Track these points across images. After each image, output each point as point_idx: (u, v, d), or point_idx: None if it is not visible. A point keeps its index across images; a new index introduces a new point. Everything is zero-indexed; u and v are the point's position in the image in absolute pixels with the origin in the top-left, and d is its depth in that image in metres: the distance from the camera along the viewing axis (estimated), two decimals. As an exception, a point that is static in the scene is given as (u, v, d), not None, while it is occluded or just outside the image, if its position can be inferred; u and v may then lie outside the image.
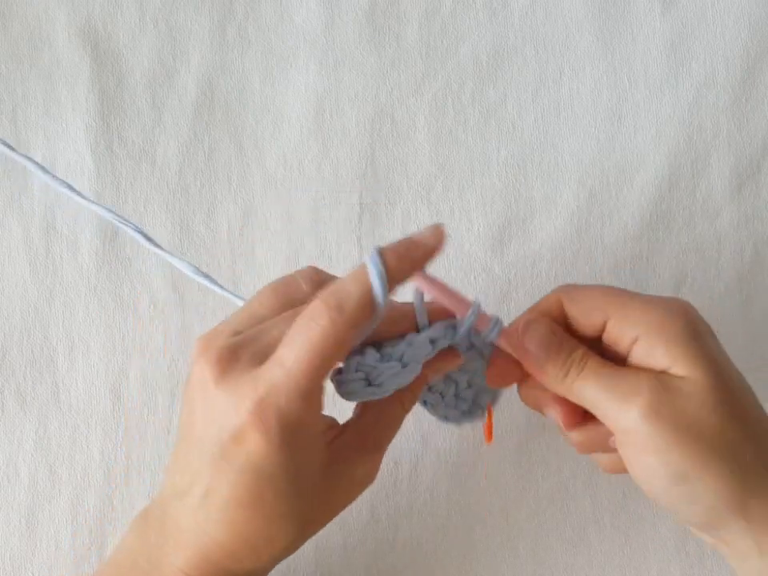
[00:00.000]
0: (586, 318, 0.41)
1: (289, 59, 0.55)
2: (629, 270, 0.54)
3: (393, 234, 0.54)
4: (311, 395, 0.36)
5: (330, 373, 0.38)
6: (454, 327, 0.40)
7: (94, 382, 0.52)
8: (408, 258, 0.37)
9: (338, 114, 0.55)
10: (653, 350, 0.38)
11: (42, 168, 0.46)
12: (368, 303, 0.36)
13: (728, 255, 0.55)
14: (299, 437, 0.36)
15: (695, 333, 0.39)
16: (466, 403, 0.45)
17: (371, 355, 0.38)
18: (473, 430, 0.53)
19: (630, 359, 0.40)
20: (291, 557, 0.51)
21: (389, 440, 0.41)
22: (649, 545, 0.52)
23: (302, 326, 0.36)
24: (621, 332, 0.40)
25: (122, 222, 0.45)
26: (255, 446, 0.35)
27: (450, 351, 0.41)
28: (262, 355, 0.36)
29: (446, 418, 0.45)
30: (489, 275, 0.54)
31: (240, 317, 0.39)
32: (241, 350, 0.37)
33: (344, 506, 0.40)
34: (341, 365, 0.39)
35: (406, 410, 0.41)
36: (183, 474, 0.38)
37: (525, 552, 0.52)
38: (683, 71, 0.56)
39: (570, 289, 0.42)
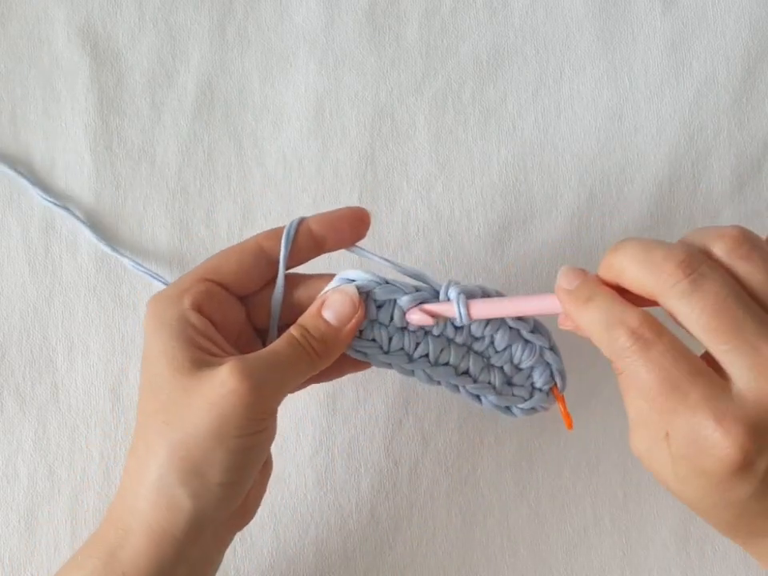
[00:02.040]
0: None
1: (289, 59, 0.55)
2: (629, 269, 0.54)
3: (393, 234, 0.54)
4: (198, 281, 0.41)
5: None
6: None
7: (93, 382, 0.52)
8: (326, 220, 0.44)
9: (338, 114, 0.55)
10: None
11: (34, 183, 0.46)
12: (277, 233, 0.44)
13: (728, 255, 0.55)
14: (170, 317, 0.40)
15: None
16: (524, 389, 0.45)
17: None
18: (473, 429, 0.53)
19: None
20: (291, 557, 0.51)
21: (271, 359, 0.40)
22: (649, 545, 0.52)
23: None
24: None
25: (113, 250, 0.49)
26: (145, 331, 0.40)
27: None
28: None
29: (508, 410, 0.45)
30: (489, 275, 0.54)
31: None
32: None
33: (210, 408, 0.38)
34: None
35: (308, 354, 0.41)
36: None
37: (525, 552, 0.52)
38: (684, 71, 0.56)
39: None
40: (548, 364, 0.45)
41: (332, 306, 0.41)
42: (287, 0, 0.56)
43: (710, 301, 0.34)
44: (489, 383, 0.44)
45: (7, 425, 0.52)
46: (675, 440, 0.35)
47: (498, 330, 0.43)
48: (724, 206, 0.55)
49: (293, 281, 0.43)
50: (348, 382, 0.52)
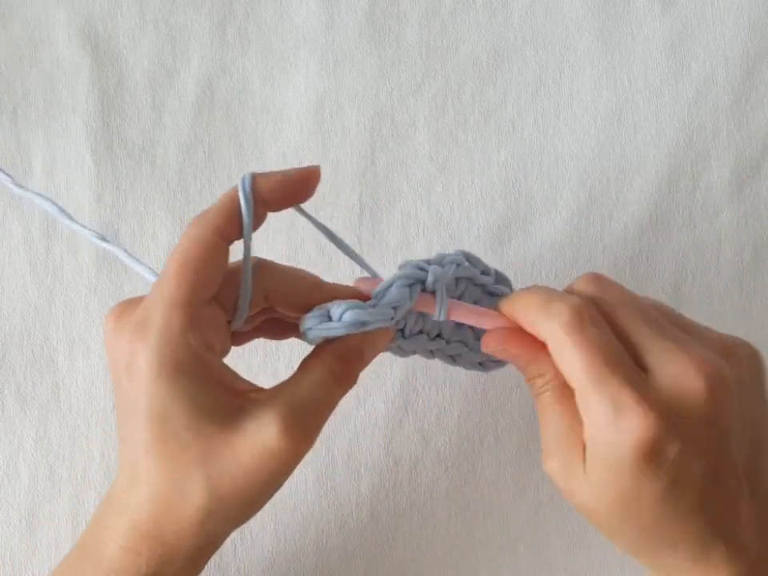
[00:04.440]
0: None
1: (289, 59, 0.55)
2: (629, 270, 0.55)
3: (393, 234, 0.54)
4: (189, 308, 0.35)
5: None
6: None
7: (94, 382, 0.52)
8: (275, 181, 0.39)
9: (338, 114, 0.55)
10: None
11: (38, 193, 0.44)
12: (228, 207, 0.37)
13: (728, 255, 0.55)
14: (187, 363, 0.35)
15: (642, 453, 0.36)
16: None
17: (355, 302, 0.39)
18: (473, 429, 0.53)
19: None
20: (291, 556, 0.51)
21: (313, 407, 0.37)
22: (649, 545, 0.52)
23: (174, 248, 0.37)
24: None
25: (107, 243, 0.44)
26: (141, 370, 0.35)
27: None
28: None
29: (481, 365, 0.45)
30: (489, 275, 0.54)
31: None
32: (134, 300, 0.37)
33: (259, 470, 0.36)
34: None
35: (339, 381, 0.38)
36: (120, 446, 0.38)
37: (525, 552, 0.52)
38: (683, 71, 0.56)
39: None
40: None
41: (371, 348, 0.40)
42: (287, 0, 0.56)
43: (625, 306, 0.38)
44: (461, 341, 0.44)
45: (8, 424, 0.52)
46: (593, 425, 0.36)
47: (465, 289, 0.43)
48: (723, 206, 0.55)
49: (262, 266, 0.40)
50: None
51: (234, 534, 0.52)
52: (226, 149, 0.55)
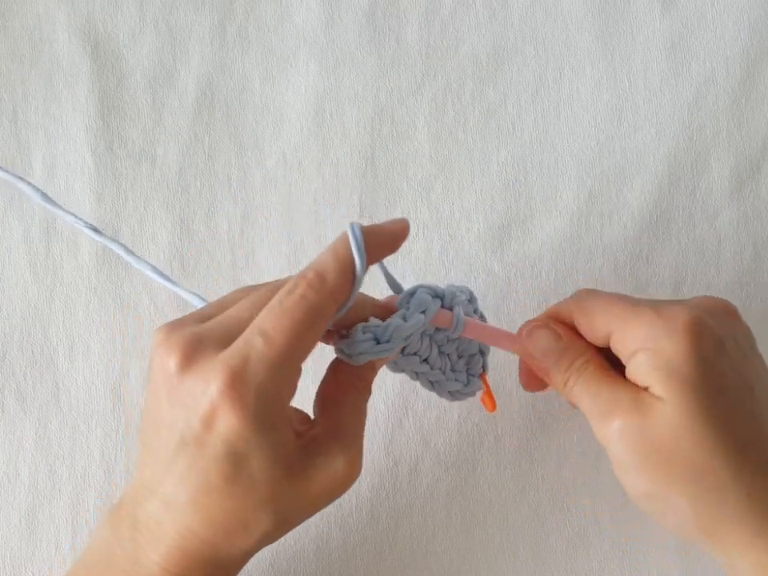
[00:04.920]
0: (591, 331, 0.41)
1: (289, 59, 0.55)
2: (629, 270, 0.55)
3: (393, 234, 0.54)
4: (292, 369, 0.35)
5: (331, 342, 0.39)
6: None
7: (94, 381, 0.52)
8: (377, 237, 0.38)
9: (338, 114, 0.55)
10: (639, 367, 0.39)
11: (39, 190, 0.44)
12: (349, 273, 0.36)
13: (728, 255, 0.55)
14: (275, 416, 0.35)
15: (687, 354, 0.38)
16: (462, 374, 0.46)
17: (373, 319, 0.39)
18: (473, 429, 0.53)
19: (627, 373, 0.40)
20: (291, 556, 0.51)
21: (359, 428, 0.40)
22: (649, 545, 0.52)
23: (283, 295, 0.35)
24: (621, 346, 0.40)
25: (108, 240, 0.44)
26: (228, 423, 0.34)
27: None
28: (228, 339, 0.35)
29: (451, 394, 0.46)
30: (489, 275, 0.54)
31: (206, 307, 0.39)
32: (206, 336, 0.36)
33: (328, 500, 0.39)
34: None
35: (365, 396, 0.41)
36: (153, 468, 0.37)
37: (525, 552, 0.52)
38: (683, 71, 0.56)
39: (583, 297, 0.42)
40: (482, 352, 0.46)
41: (381, 360, 0.42)
42: (287, 0, 0.56)
43: None
44: (440, 369, 0.44)
45: (8, 424, 0.52)
46: (649, 338, 0.39)
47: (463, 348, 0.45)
48: (723, 206, 0.55)
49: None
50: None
51: (234, 534, 0.52)
52: (226, 149, 0.55)
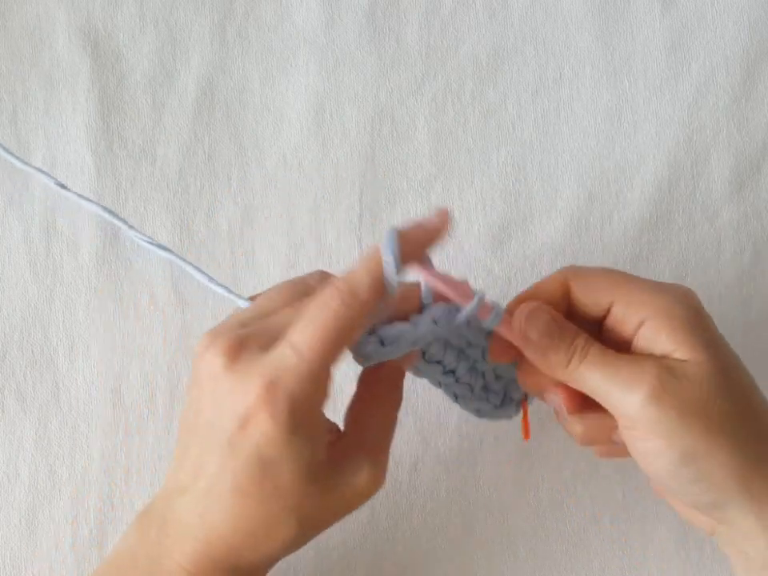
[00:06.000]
0: (592, 299, 0.41)
1: (289, 59, 0.56)
2: (629, 270, 0.54)
3: (393, 234, 0.54)
4: (321, 379, 0.36)
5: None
6: (457, 310, 0.40)
7: (94, 381, 0.52)
8: (417, 242, 0.38)
9: (338, 114, 0.55)
10: (658, 334, 0.39)
11: (41, 170, 0.45)
12: (380, 286, 0.37)
13: (728, 255, 0.55)
14: (306, 424, 0.36)
15: (698, 318, 0.40)
16: (498, 397, 0.45)
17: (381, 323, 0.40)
18: (473, 429, 0.53)
19: (634, 343, 0.40)
20: (291, 556, 0.51)
21: (387, 440, 0.41)
22: (649, 545, 0.52)
23: (314, 309, 0.36)
24: (626, 315, 0.40)
25: (121, 222, 0.45)
26: (262, 429, 0.35)
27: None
28: (271, 342, 0.36)
29: (478, 411, 0.45)
30: (489, 275, 0.54)
31: (247, 311, 0.40)
32: (250, 338, 0.37)
33: (348, 510, 0.40)
34: None
35: (395, 406, 0.42)
36: (187, 469, 0.38)
37: (525, 552, 0.52)
38: (683, 71, 0.56)
39: (576, 270, 0.42)
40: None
41: (406, 363, 0.42)
42: (287, 0, 0.56)
43: None
44: (469, 385, 0.44)
45: (8, 425, 0.52)
46: (656, 308, 0.40)
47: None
48: (723, 206, 0.55)
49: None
50: (348, 381, 0.52)
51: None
52: (226, 149, 0.55)
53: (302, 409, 0.36)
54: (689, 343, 0.38)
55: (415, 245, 0.38)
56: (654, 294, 0.40)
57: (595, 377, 0.39)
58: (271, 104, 0.55)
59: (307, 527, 0.39)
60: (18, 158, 0.47)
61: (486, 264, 0.54)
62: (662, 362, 0.38)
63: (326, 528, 0.40)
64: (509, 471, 0.53)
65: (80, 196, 0.46)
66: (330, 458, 0.38)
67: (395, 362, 0.40)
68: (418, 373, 0.44)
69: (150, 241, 0.46)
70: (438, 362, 0.43)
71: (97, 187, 0.54)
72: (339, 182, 0.55)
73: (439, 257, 0.54)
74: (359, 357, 0.39)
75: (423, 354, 0.42)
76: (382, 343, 0.39)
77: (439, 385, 0.44)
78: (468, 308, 0.39)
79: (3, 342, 0.52)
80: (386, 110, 0.55)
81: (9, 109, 0.54)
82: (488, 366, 0.44)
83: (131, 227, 0.46)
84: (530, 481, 0.53)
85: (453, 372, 0.44)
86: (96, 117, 0.54)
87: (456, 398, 0.45)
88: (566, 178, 0.55)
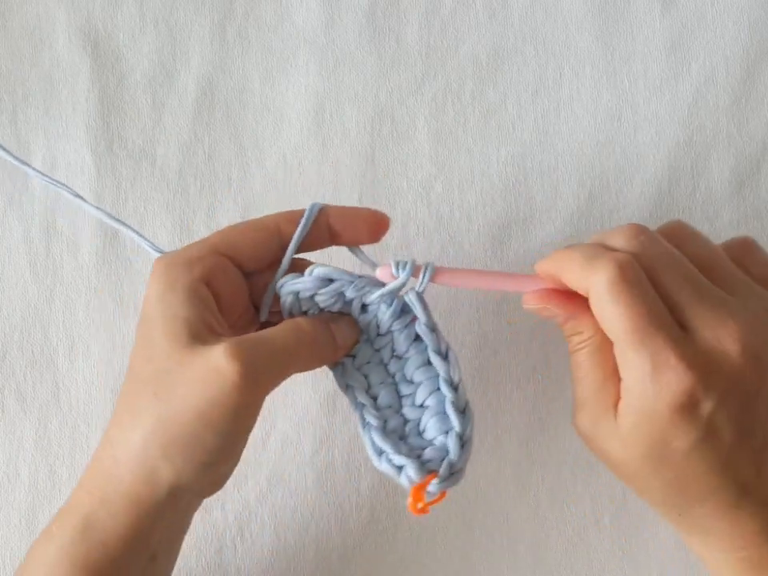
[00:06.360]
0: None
1: (289, 59, 0.56)
2: (629, 270, 0.54)
3: (393, 233, 0.54)
4: (219, 256, 0.40)
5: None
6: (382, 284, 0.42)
7: (94, 381, 0.52)
8: (347, 217, 0.43)
9: (338, 114, 0.55)
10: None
11: (39, 171, 0.46)
12: (294, 217, 0.42)
13: (728, 255, 0.55)
14: (187, 287, 0.39)
15: None
16: (413, 452, 0.41)
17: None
18: (473, 429, 0.53)
19: None
20: (291, 556, 0.51)
21: (273, 356, 0.39)
22: (649, 545, 0.52)
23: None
24: None
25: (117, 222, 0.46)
26: (149, 289, 0.40)
27: None
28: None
29: (377, 455, 0.40)
30: (489, 275, 0.54)
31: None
32: (179, 253, 0.41)
33: (204, 393, 0.37)
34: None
35: (305, 343, 0.40)
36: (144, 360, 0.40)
37: (525, 552, 0.52)
38: (683, 71, 0.56)
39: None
40: (447, 451, 0.40)
41: (342, 333, 0.42)
42: (287, 0, 0.56)
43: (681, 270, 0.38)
44: (384, 422, 0.41)
45: (8, 425, 0.52)
46: (631, 377, 0.37)
47: (431, 392, 0.41)
48: (723, 206, 0.55)
49: (298, 265, 0.43)
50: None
51: (234, 534, 0.52)
52: (226, 149, 0.55)
53: (174, 271, 0.39)
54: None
55: (341, 211, 0.43)
56: None
57: (576, 371, 0.40)
58: (271, 104, 0.55)
59: (161, 399, 0.38)
60: (17, 158, 0.47)
61: (486, 264, 0.54)
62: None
63: (184, 414, 0.37)
64: (509, 471, 0.53)
65: (80, 197, 0.46)
66: (203, 333, 0.38)
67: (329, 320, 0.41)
68: (342, 371, 0.42)
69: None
70: (366, 376, 0.42)
71: (97, 187, 0.54)
72: (339, 182, 0.55)
73: (440, 257, 0.54)
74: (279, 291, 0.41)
75: (353, 358, 0.42)
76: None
77: (355, 407, 0.41)
78: (404, 274, 0.41)
79: (3, 341, 0.52)
80: (386, 110, 0.55)
81: (9, 109, 0.54)
82: (415, 415, 0.41)
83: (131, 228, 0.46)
84: (529, 481, 0.53)
85: (375, 399, 0.42)
86: (96, 117, 0.54)
87: (363, 427, 0.41)
88: (565, 178, 0.55)
